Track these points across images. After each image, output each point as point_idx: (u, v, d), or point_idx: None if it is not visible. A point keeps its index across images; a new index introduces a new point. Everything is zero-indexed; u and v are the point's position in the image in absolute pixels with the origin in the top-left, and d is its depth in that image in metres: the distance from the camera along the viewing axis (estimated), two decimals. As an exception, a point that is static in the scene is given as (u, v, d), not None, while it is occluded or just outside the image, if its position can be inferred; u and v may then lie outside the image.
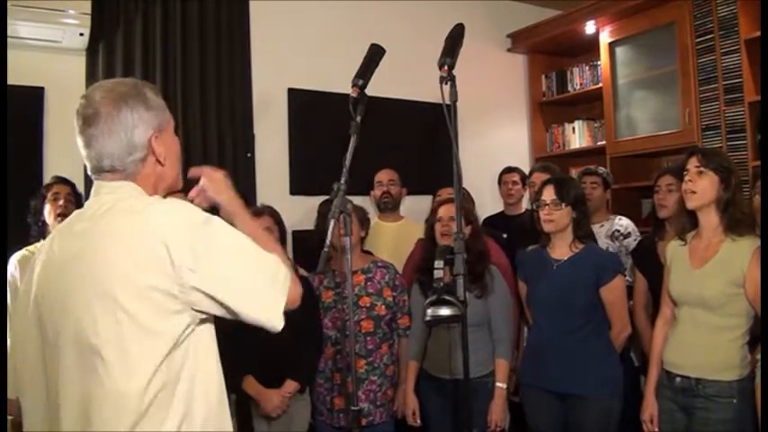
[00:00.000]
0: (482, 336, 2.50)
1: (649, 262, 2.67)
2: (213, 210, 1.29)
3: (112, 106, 1.18)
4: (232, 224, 1.22)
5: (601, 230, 3.12)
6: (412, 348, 2.63)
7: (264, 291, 1.15)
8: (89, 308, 1.07)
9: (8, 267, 2.44)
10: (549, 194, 2.40)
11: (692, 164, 2.08)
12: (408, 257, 3.04)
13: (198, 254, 1.08)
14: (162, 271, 1.07)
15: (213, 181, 1.33)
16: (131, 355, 1.06)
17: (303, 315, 2.51)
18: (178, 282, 1.08)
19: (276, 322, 1.15)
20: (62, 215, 2.49)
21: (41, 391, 1.15)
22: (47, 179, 2.88)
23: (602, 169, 3.33)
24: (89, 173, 1.23)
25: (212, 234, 1.12)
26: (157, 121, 1.23)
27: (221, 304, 1.12)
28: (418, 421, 2.59)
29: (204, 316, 1.15)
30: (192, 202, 1.31)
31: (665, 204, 2.68)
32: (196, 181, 1.34)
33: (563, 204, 2.39)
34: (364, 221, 2.75)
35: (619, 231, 3.11)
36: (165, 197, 1.24)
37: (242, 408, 2.41)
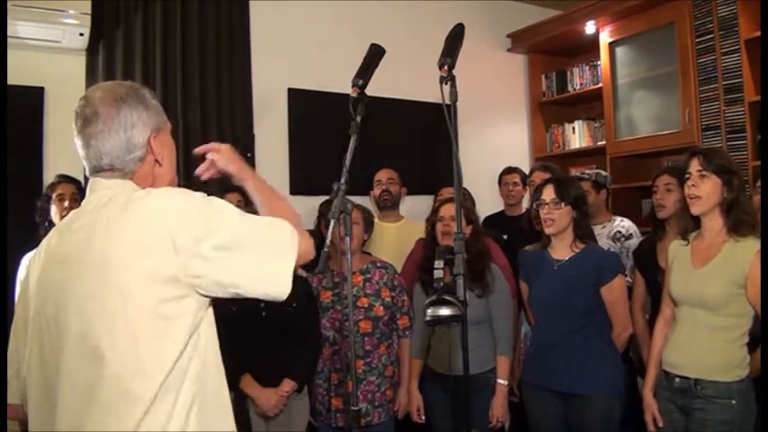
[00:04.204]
0: (484, 333, 2.51)
1: (648, 263, 2.66)
2: (223, 182, 1.40)
3: (112, 105, 1.19)
4: (244, 190, 1.32)
5: (602, 232, 3.10)
6: (415, 346, 2.64)
7: (270, 263, 1.15)
8: (92, 302, 1.07)
9: (21, 268, 2.43)
10: (548, 194, 2.40)
11: (694, 167, 2.06)
12: (408, 256, 3.04)
13: (199, 236, 1.09)
14: (164, 256, 1.07)
15: (221, 152, 1.37)
16: (140, 348, 1.06)
17: (302, 314, 2.53)
18: (182, 266, 1.08)
19: (281, 292, 1.16)
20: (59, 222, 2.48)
21: (43, 393, 1.14)
22: (47, 179, 2.87)
23: (588, 173, 3.24)
24: (87, 173, 1.24)
25: (213, 214, 1.13)
26: (155, 122, 1.25)
27: (226, 285, 1.12)
28: (423, 418, 2.59)
29: (208, 300, 1.16)
30: (200, 177, 1.38)
31: (663, 204, 2.67)
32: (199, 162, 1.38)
33: (563, 204, 2.39)
34: (369, 224, 2.74)
35: (620, 233, 3.09)
36: None
37: (240, 407, 2.41)
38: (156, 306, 1.07)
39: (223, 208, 1.16)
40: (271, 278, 1.15)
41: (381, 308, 2.60)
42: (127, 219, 1.10)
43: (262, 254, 1.14)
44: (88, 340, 1.07)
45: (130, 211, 1.11)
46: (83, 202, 1.23)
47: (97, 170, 1.21)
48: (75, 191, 2.63)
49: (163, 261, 1.07)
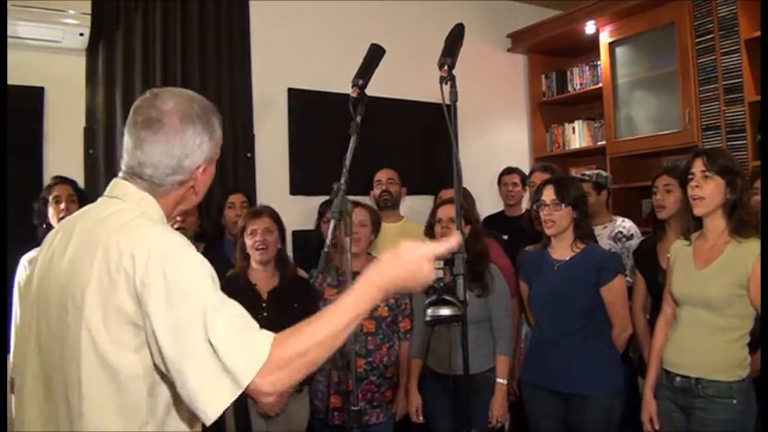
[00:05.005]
0: (483, 333, 2.51)
1: (648, 263, 2.66)
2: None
3: (180, 122, 1.14)
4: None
5: (603, 232, 3.09)
6: (415, 346, 2.64)
7: (202, 383, 0.97)
8: (67, 316, 1.07)
9: (19, 268, 2.43)
10: (548, 195, 2.40)
11: (698, 167, 2.06)
12: None
13: (160, 301, 1.00)
14: (126, 296, 1.02)
15: (397, 250, 1.13)
16: (90, 378, 1.03)
17: (303, 314, 2.53)
18: (140, 315, 1.02)
19: (204, 418, 0.99)
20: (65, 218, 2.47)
21: (35, 382, 1.15)
22: (47, 179, 2.87)
23: (588, 174, 3.23)
24: (122, 166, 1.19)
25: (194, 295, 1.01)
26: (211, 154, 1.19)
27: (160, 353, 1.00)
28: (421, 418, 2.59)
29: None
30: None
31: (663, 205, 2.67)
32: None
33: (563, 205, 2.39)
34: (376, 225, 2.73)
35: (622, 233, 3.08)
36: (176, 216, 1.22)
37: (240, 406, 2.41)
38: (111, 347, 1.03)
39: (208, 294, 1.02)
40: (196, 399, 0.98)
41: (386, 309, 2.60)
42: (107, 245, 1.05)
43: (204, 367, 0.98)
44: (61, 353, 1.08)
45: (118, 238, 1.05)
46: (99, 200, 1.20)
47: (134, 172, 1.15)
48: (72, 192, 2.62)
49: (124, 300, 1.02)
